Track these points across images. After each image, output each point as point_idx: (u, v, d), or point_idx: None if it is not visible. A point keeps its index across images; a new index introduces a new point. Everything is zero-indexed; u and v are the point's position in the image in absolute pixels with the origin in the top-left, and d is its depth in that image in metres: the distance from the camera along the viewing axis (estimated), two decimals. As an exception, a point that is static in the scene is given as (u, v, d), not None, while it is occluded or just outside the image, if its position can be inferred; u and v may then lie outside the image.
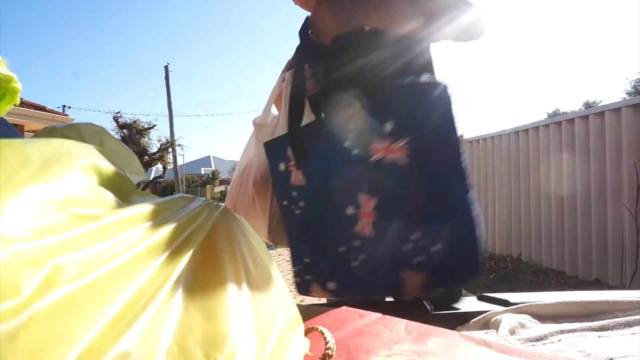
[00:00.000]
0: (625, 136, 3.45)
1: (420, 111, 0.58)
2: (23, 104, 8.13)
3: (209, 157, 48.53)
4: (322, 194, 0.64)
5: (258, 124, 0.81)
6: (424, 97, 0.58)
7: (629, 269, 3.30)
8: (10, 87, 0.36)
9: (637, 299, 0.51)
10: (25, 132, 8.08)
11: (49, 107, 8.80)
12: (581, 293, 0.57)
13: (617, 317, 0.47)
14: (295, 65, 0.73)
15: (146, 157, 15.25)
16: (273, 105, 0.82)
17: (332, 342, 0.29)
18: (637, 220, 3.18)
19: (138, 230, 0.23)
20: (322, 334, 0.30)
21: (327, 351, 0.28)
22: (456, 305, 0.56)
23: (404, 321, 0.37)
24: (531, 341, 0.43)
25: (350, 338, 0.32)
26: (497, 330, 0.45)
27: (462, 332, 0.38)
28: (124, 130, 15.01)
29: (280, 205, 0.71)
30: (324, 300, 0.82)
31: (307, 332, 0.31)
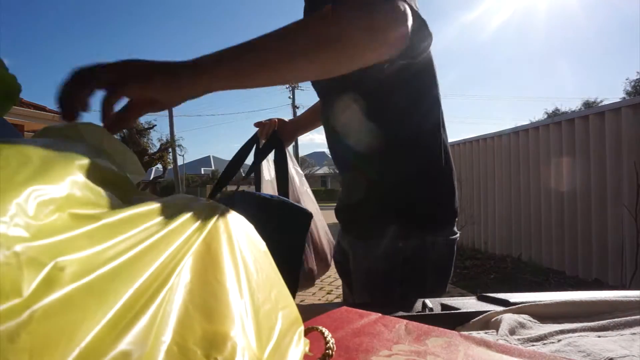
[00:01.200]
0: (625, 136, 3.45)
1: (269, 223, 0.76)
2: (23, 104, 8.12)
3: (209, 157, 48.51)
4: None
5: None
6: (286, 210, 0.77)
7: (629, 269, 3.30)
8: (11, 87, 0.36)
9: (637, 299, 0.51)
10: (25, 132, 8.07)
11: (49, 107, 8.79)
12: (581, 293, 0.57)
13: (617, 317, 0.47)
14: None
15: (146, 157, 15.22)
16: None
17: (331, 342, 0.29)
18: (637, 220, 3.18)
19: (138, 230, 0.23)
20: (322, 334, 0.30)
21: (327, 351, 0.28)
22: (456, 305, 0.56)
23: (404, 321, 0.38)
24: (531, 341, 0.43)
25: (350, 338, 0.32)
26: (497, 330, 0.45)
27: (462, 332, 0.38)
28: (124, 130, 14.98)
29: None
30: (324, 300, 0.83)
31: (307, 332, 0.31)
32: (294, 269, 0.75)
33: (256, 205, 0.76)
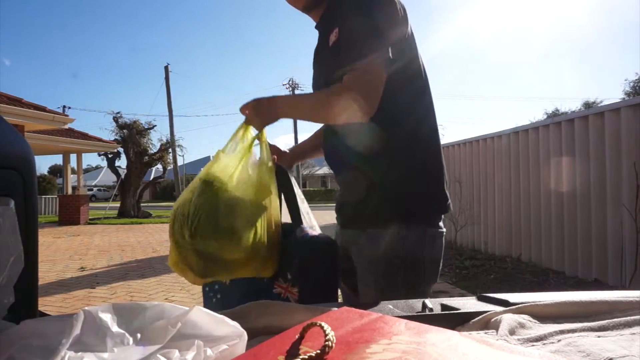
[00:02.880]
0: (625, 136, 3.45)
1: (311, 265, 0.85)
2: (23, 104, 8.11)
3: (209, 157, 48.55)
4: (233, 299, 0.88)
5: None
6: (315, 252, 0.86)
7: (628, 269, 3.30)
8: None
9: (637, 299, 0.51)
10: (25, 132, 8.07)
11: (49, 107, 8.78)
12: (581, 293, 0.57)
13: (617, 317, 0.47)
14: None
15: (146, 157, 15.16)
16: None
17: (331, 334, 0.29)
18: (637, 220, 3.18)
19: None
20: (322, 327, 0.30)
21: (326, 342, 0.28)
22: (456, 306, 0.56)
23: (404, 320, 0.38)
24: (531, 341, 0.43)
25: (350, 334, 0.32)
26: (497, 330, 0.45)
27: (462, 332, 0.38)
28: (124, 131, 14.90)
29: (203, 290, 0.97)
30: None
31: (307, 328, 0.31)
32: (334, 290, 0.88)
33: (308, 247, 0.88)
